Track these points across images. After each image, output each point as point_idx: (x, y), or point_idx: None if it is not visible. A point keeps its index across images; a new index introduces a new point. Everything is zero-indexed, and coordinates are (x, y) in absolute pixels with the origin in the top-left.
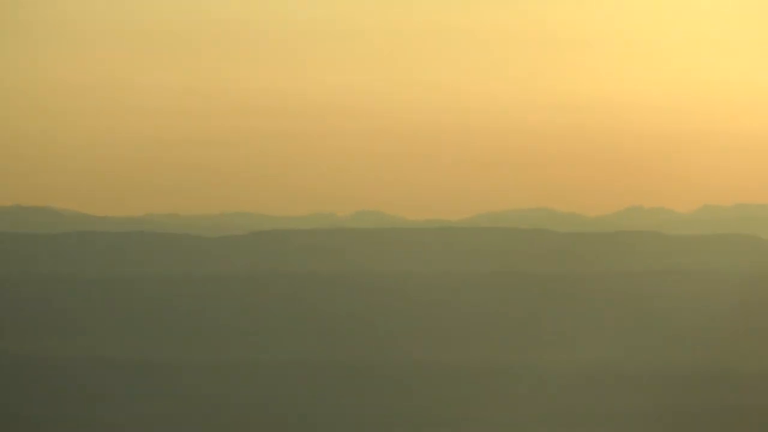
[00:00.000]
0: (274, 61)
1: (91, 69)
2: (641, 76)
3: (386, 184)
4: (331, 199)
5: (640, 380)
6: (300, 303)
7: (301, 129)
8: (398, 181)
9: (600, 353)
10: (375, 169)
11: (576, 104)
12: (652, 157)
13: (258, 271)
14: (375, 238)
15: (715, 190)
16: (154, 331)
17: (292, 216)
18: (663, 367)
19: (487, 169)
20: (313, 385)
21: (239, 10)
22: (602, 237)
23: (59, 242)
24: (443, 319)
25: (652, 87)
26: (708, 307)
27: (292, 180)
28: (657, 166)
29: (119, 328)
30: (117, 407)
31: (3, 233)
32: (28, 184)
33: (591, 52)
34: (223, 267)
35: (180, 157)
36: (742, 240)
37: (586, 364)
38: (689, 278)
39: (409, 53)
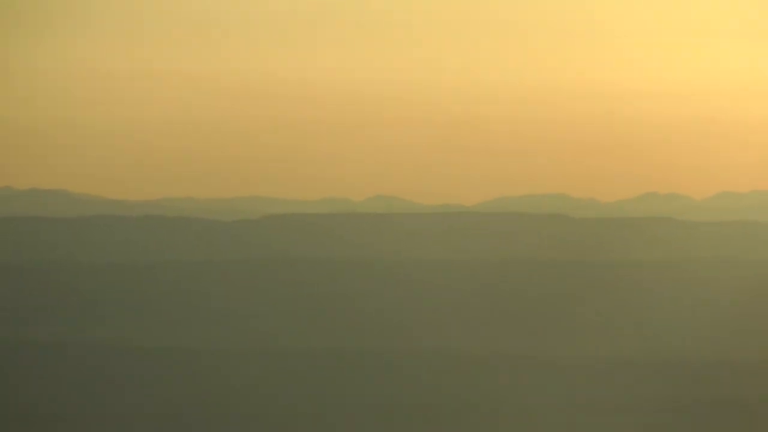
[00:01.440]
0: (291, 49)
1: (109, 57)
2: (657, 64)
3: (401, 170)
4: (345, 185)
5: (653, 369)
6: (313, 288)
7: (316, 115)
8: (413, 166)
9: (615, 341)
10: (389, 155)
11: (591, 91)
12: (667, 143)
13: (272, 255)
14: (389, 224)
15: (732, 177)
16: (169, 315)
17: (306, 200)
18: (676, 356)
19: (502, 155)
20: (325, 371)
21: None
22: (617, 223)
23: (74, 226)
24: (457, 306)
25: (668, 74)
26: (724, 295)
27: (307, 165)
28: (673, 153)
29: (134, 312)
30: (131, 393)
31: (19, 217)
32: (45, 167)
33: (606, 41)
34: (237, 251)
35: (195, 142)
36: (759, 227)
37: (599, 352)
38: (705, 265)
39: (424, 41)
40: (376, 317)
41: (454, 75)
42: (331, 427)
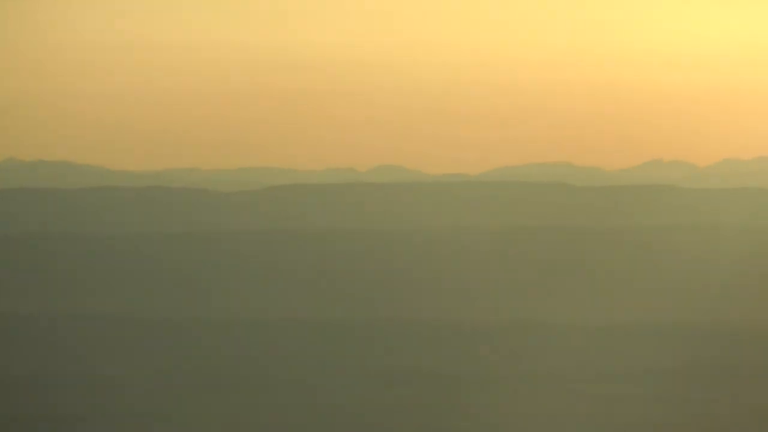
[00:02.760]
0: (294, 17)
1: (112, 27)
2: (660, 30)
3: (406, 139)
4: (350, 154)
5: (657, 335)
6: (319, 258)
7: (320, 84)
8: (418, 135)
9: (617, 308)
10: (394, 124)
11: (595, 59)
12: (671, 110)
13: (277, 226)
14: (394, 193)
15: (736, 144)
16: (172, 286)
17: (311, 170)
18: (679, 323)
19: (507, 123)
20: (330, 340)
21: None
22: (621, 191)
23: (78, 198)
24: (461, 275)
25: (673, 41)
26: (727, 262)
27: (312, 135)
28: (677, 120)
29: (137, 284)
30: (134, 364)
31: (22, 189)
32: (50, 139)
33: (609, 6)
34: (241, 222)
35: (200, 112)
36: (763, 194)
37: (603, 319)
38: (708, 233)
39: (429, 9)
40: (381, 287)
41: (459, 45)
42: (332, 395)
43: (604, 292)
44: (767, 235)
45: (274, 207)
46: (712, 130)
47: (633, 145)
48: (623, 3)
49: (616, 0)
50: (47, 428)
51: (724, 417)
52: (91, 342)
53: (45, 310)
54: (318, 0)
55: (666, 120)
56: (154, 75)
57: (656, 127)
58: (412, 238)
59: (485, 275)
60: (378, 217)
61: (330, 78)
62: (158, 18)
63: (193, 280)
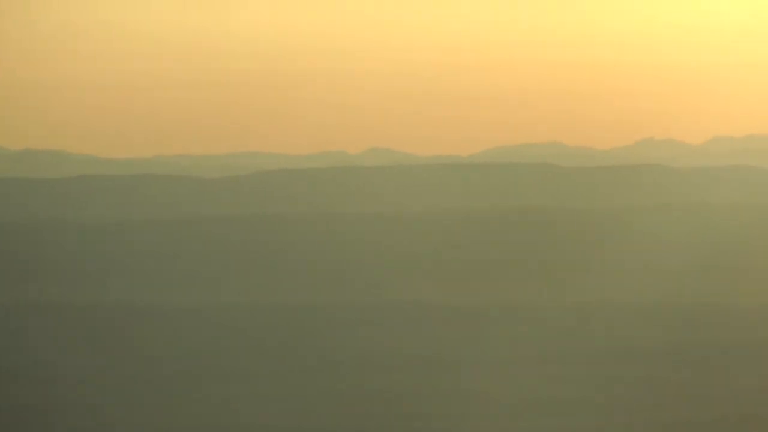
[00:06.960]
0: (282, 3)
1: (98, 14)
2: (647, 8)
3: (396, 122)
4: (340, 138)
5: (649, 316)
6: (310, 243)
7: (310, 68)
8: (408, 118)
9: (612, 289)
10: (385, 107)
11: (584, 39)
12: (661, 89)
13: (266, 211)
14: (385, 176)
15: (726, 121)
16: (163, 273)
17: (301, 154)
18: (671, 302)
19: (497, 104)
20: (321, 326)
21: None
22: (614, 170)
23: (66, 187)
24: (455, 256)
25: (660, 19)
26: (718, 240)
27: (301, 119)
28: (667, 98)
29: (127, 272)
30: (125, 352)
31: (13, 178)
32: (38, 127)
33: None
34: (232, 207)
35: (188, 98)
36: (754, 172)
37: (596, 298)
38: (699, 211)
39: None
40: (373, 270)
41: (449, 24)
42: (325, 381)
43: (599, 273)
44: (759, 213)
45: (263, 192)
46: (703, 108)
47: (625, 123)
48: None
49: None
50: (49, 418)
51: (712, 397)
52: (81, 331)
53: (34, 300)
54: None
55: (658, 98)
56: (141, 62)
57: (648, 105)
58: (405, 220)
59: (478, 257)
60: (369, 200)
61: (319, 62)
62: (146, 5)
63: (184, 267)
